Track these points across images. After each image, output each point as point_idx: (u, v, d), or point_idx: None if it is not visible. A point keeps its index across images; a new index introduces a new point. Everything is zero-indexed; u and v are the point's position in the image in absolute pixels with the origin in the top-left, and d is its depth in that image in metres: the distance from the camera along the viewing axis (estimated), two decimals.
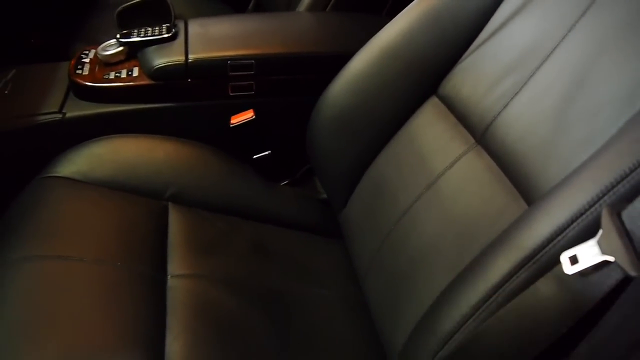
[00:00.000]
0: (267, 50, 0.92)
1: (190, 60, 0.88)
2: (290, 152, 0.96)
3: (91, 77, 0.91)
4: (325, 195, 0.92)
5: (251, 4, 1.63)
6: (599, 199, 0.38)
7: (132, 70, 0.91)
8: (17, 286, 0.62)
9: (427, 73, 0.79)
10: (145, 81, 0.89)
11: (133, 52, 0.94)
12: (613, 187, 0.38)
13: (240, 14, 1.27)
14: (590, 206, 0.38)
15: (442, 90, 0.77)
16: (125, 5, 0.95)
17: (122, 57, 0.94)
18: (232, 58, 0.89)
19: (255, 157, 0.95)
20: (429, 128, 0.77)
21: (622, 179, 0.38)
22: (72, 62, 0.95)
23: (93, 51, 0.96)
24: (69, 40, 1.24)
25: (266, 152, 0.95)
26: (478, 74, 0.72)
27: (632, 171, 0.38)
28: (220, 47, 0.91)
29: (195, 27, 0.96)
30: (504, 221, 0.53)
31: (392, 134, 0.81)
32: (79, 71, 0.92)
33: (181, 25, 0.97)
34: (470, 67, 0.75)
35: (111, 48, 0.94)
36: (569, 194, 0.41)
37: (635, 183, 0.37)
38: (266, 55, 0.91)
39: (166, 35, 0.92)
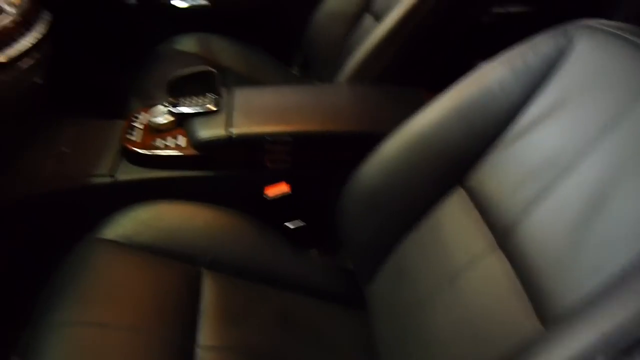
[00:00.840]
0: (304, 127, 0.97)
1: (232, 135, 0.94)
2: (321, 222, 1.00)
3: (141, 143, 0.98)
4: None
5: (297, 62, 1.71)
6: (596, 348, 0.40)
7: (178, 139, 0.98)
8: (56, 351, 0.68)
9: (454, 163, 0.82)
10: (190, 151, 0.96)
11: (180, 121, 1.01)
12: (611, 337, 0.40)
13: (282, 86, 1.33)
14: (588, 355, 0.40)
15: (468, 182, 0.80)
16: (176, 74, 1.02)
17: (170, 126, 1.01)
18: (270, 134, 0.95)
19: (286, 224, 0.99)
20: (454, 219, 0.79)
21: (621, 331, 0.40)
22: (126, 124, 1.03)
23: (144, 115, 1.04)
24: (131, 88, 1.33)
25: (298, 221, 0.99)
26: (503, 173, 0.75)
27: (630, 324, 0.40)
28: (260, 123, 0.97)
29: (239, 100, 1.02)
30: (518, 338, 0.55)
31: (419, 218, 0.84)
32: (130, 136, 0.99)
33: (226, 96, 1.03)
34: (496, 164, 0.77)
35: (161, 116, 1.01)
36: (569, 337, 0.43)
37: (635, 336, 0.39)
38: (303, 133, 0.96)
39: (212, 108, 0.99)
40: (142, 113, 1.06)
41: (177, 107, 1.00)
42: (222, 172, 0.97)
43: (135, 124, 1.03)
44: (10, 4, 0.84)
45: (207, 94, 1.02)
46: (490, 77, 0.82)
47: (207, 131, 0.95)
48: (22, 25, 0.87)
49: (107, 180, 0.96)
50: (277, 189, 0.96)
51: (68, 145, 1.02)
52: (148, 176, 0.96)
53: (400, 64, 1.18)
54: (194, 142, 0.95)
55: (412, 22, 1.12)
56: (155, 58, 1.46)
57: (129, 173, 0.97)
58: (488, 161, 0.79)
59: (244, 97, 1.04)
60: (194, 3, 1.63)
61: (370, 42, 1.13)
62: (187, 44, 1.53)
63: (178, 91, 1.03)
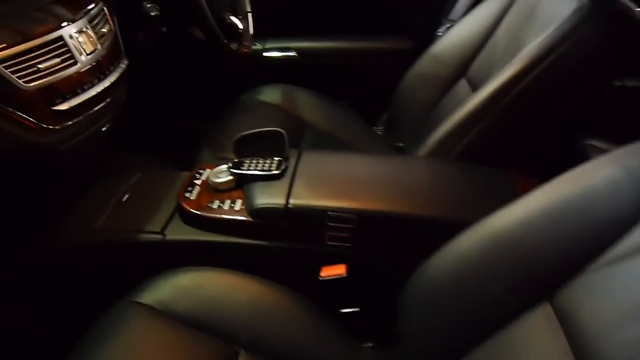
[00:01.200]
0: (370, 205, 0.87)
1: (290, 206, 0.86)
2: (380, 313, 0.88)
3: (197, 203, 0.92)
4: None
5: (383, 122, 1.62)
6: None
7: (235, 203, 0.91)
8: None
9: (543, 275, 0.67)
10: (244, 217, 0.89)
11: (241, 183, 0.94)
12: None
13: (354, 153, 1.23)
14: None
15: (559, 300, 0.65)
16: (244, 133, 0.97)
17: (230, 186, 0.95)
18: (332, 209, 0.85)
19: (342, 311, 0.88)
20: (536, 342, 0.65)
21: None
22: (186, 179, 0.98)
23: (207, 172, 0.98)
24: (206, 138, 1.30)
25: (354, 309, 0.88)
26: (605, 300, 0.60)
27: None
28: (322, 195, 0.88)
29: (305, 166, 0.95)
30: None
31: (493, 332, 0.70)
32: (188, 194, 0.94)
33: (293, 159, 0.96)
34: (597, 286, 0.62)
35: (222, 175, 0.95)
36: None
37: None
38: (369, 212, 0.86)
39: (275, 172, 0.92)
40: (206, 169, 1.01)
41: (239, 168, 0.94)
42: (276, 243, 0.89)
43: (196, 181, 0.98)
44: (84, 53, 0.82)
45: (273, 156, 0.95)
46: (596, 175, 0.68)
47: (264, 198, 0.88)
48: (93, 74, 0.85)
49: (157, 238, 0.91)
50: (334, 270, 0.86)
51: (126, 194, 0.99)
52: (198, 238, 0.90)
53: (493, 139, 1.05)
54: (249, 209, 0.88)
55: (512, 93, 1.00)
56: (236, 108, 1.44)
57: (179, 232, 0.91)
58: (587, 280, 0.64)
59: (310, 163, 0.96)
60: (285, 54, 1.61)
61: (462, 112, 1.02)
62: (271, 95, 1.50)
63: (244, 150, 0.97)
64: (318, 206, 0.86)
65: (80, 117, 0.84)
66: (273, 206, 0.87)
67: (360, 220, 0.86)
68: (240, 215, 0.89)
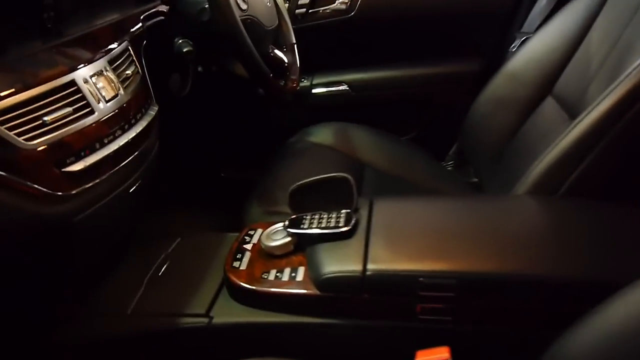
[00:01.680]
0: (475, 265, 0.65)
1: (369, 272, 0.66)
2: None
3: (248, 274, 0.74)
4: None
5: (453, 157, 1.42)
6: None
7: (296, 272, 0.72)
8: None
9: None
10: (310, 290, 0.69)
11: (302, 245, 0.75)
12: None
13: (437, 197, 1.03)
14: None
15: None
16: (301, 183, 0.78)
17: (288, 249, 0.76)
18: (425, 274, 0.64)
19: None
20: None
21: None
22: (234, 244, 0.80)
23: (259, 233, 0.80)
24: (254, 191, 1.12)
25: None
26: None
27: None
28: (409, 256, 0.68)
29: (380, 217, 0.75)
30: None
31: None
32: (237, 263, 0.76)
33: (363, 210, 0.76)
34: None
35: (278, 237, 0.76)
36: None
37: None
38: (473, 275, 0.65)
39: (343, 229, 0.72)
40: (258, 230, 0.82)
41: (299, 226, 0.75)
42: (352, 321, 0.69)
43: (245, 245, 0.79)
44: (103, 99, 0.67)
45: (339, 208, 0.76)
46: None
47: (334, 264, 0.68)
48: (115, 124, 0.69)
49: (201, 322, 0.72)
50: (434, 354, 0.64)
51: (163, 267, 0.81)
52: (252, 320, 0.71)
53: (611, 168, 0.83)
54: (315, 277, 0.69)
55: (634, 108, 0.78)
56: (285, 153, 1.26)
57: (229, 313, 0.73)
58: None
59: (387, 214, 0.76)
60: (335, 89, 1.44)
61: (569, 139, 0.80)
62: (324, 135, 1.32)
63: (301, 204, 0.79)
64: (405, 271, 0.66)
65: (101, 179, 0.67)
66: (346, 274, 0.67)
67: (463, 286, 0.64)
68: (304, 288, 0.70)
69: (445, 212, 0.77)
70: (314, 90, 1.44)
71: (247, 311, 0.72)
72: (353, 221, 0.73)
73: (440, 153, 1.43)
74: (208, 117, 1.38)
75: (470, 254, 0.67)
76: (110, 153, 0.68)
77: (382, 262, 0.67)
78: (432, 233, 0.71)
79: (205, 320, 0.72)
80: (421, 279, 0.65)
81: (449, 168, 1.42)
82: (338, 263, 0.68)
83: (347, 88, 1.43)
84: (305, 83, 1.44)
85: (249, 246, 0.79)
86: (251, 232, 0.83)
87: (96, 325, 0.75)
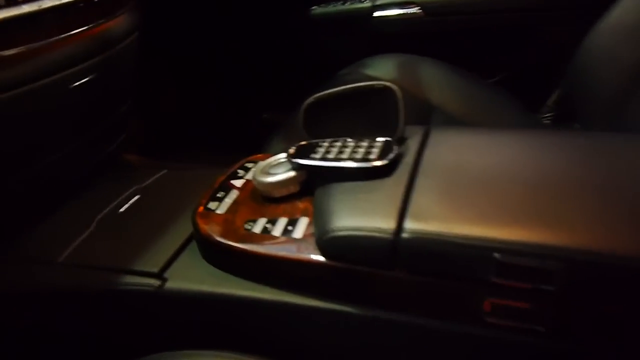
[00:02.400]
0: (601, 242, 0.36)
1: (406, 236, 0.38)
2: None
3: (225, 222, 0.48)
4: None
5: (550, 106, 1.09)
6: None
7: (295, 224, 0.46)
8: None
9: None
10: (310, 254, 0.43)
11: (311, 185, 0.49)
12: None
13: (529, 130, 0.72)
14: None
15: None
16: (322, 94, 0.52)
17: (290, 189, 0.49)
18: (505, 248, 0.36)
19: None
20: None
21: None
22: (219, 179, 0.54)
23: (259, 165, 0.54)
24: (285, 125, 0.88)
25: None
26: None
27: None
28: (480, 216, 0.39)
29: (437, 153, 0.46)
30: None
31: None
32: (214, 204, 0.50)
33: (413, 140, 0.48)
34: None
35: (277, 170, 0.50)
36: None
37: None
38: (599, 257, 0.35)
39: (375, 164, 0.44)
40: (258, 162, 0.57)
41: (309, 156, 0.48)
42: (373, 312, 0.42)
43: (234, 181, 0.54)
44: None
45: (374, 135, 0.49)
46: None
47: (351, 216, 0.41)
48: None
49: (150, 284, 0.48)
50: None
51: (127, 203, 0.58)
52: (218, 291, 0.46)
53: None
54: (320, 236, 0.42)
55: None
56: (331, 86, 0.99)
57: (189, 276, 0.48)
58: None
59: (447, 148, 0.48)
60: (404, 12, 1.14)
61: None
62: (383, 68, 1.04)
63: (320, 126, 0.52)
64: (470, 239, 0.37)
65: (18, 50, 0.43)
66: (369, 234, 0.40)
67: (575, 274, 0.35)
68: (302, 250, 0.43)
69: (542, 150, 0.47)
70: (376, 13, 1.15)
71: (214, 276, 0.47)
72: (392, 154, 0.45)
73: (535, 102, 1.10)
74: (250, 44, 1.14)
75: (590, 220, 0.37)
76: (31, 13, 0.44)
77: (431, 220, 0.39)
78: (519, 180, 0.42)
79: (155, 282, 0.48)
80: (497, 254, 0.36)
81: (546, 122, 1.09)
82: (357, 215, 0.41)
83: (419, 10, 1.12)
84: (366, 4, 1.14)
85: (238, 182, 0.54)
86: (248, 165, 0.57)
87: (12, 273, 0.53)
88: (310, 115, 0.52)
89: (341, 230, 0.40)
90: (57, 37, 0.52)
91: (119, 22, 0.59)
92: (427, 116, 0.94)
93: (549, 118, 1.10)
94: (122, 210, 0.58)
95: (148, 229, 0.54)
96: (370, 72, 1.04)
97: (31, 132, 0.53)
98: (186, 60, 1.25)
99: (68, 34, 0.52)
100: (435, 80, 1.03)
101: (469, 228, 0.38)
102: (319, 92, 1.04)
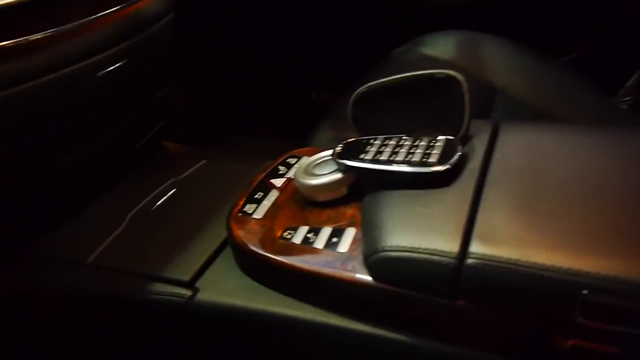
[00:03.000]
0: None
1: (472, 262, 0.32)
2: None
3: (262, 229, 0.43)
4: None
5: (631, 89, 0.98)
6: None
7: (341, 235, 0.40)
8: None
9: None
10: (356, 273, 0.37)
11: (359, 189, 0.43)
12: None
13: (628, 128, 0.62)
14: None
15: None
16: (375, 84, 0.45)
17: (337, 193, 0.44)
18: (599, 284, 0.29)
19: None
20: None
21: None
22: (258, 177, 0.49)
23: (301, 162, 0.49)
24: (335, 111, 0.82)
25: None
26: None
27: None
28: (566, 242, 0.32)
29: (511, 156, 0.39)
30: None
31: None
32: (251, 207, 0.45)
33: (480, 139, 0.42)
34: None
35: (322, 171, 0.44)
36: None
37: None
38: None
39: (435, 169, 0.38)
40: (303, 157, 0.51)
41: (357, 156, 0.42)
42: (430, 344, 0.36)
43: (275, 180, 0.49)
44: None
45: (434, 132, 0.42)
46: None
47: (406, 233, 0.35)
48: None
49: (180, 295, 0.44)
50: None
51: (160, 200, 0.54)
52: (253, 306, 0.41)
53: None
54: (368, 253, 0.36)
55: None
56: (385, 67, 0.92)
57: (222, 288, 0.43)
58: None
59: (517, 149, 0.41)
60: None
61: None
62: (442, 46, 0.95)
63: (372, 121, 0.46)
64: (553, 270, 0.30)
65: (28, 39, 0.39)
66: (428, 257, 0.34)
67: None
68: (347, 268, 0.38)
69: (635, 154, 0.39)
70: None
71: (249, 289, 0.42)
72: (456, 157, 0.39)
73: (612, 84, 0.99)
74: (298, 21, 1.08)
75: None
76: None
77: (502, 243, 0.32)
78: (610, 193, 0.35)
79: (186, 292, 0.44)
80: (585, 292, 0.30)
81: (623, 106, 0.98)
82: (413, 232, 0.35)
83: None
84: None
85: (278, 181, 0.48)
86: (291, 160, 0.52)
87: (40, 271, 0.50)
88: (360, 107, 0.46)
89: (394, 251, 0.34)
90: (83, 20, 0.48)
91: (151, 3, 0.54)
92: (491, 100, 0.86)
93: (627, 102, 0.99)
94: (156, 206, 0.54)
95: (181, 231, 0.50)
96: (427, 51, 0.96)
97: (60, 122, 0.49)
98: (232, 40, 1.20)
99: (96, 16, 0.48)
100: (499, 60, 0.94)
101: (551, 256, 0.31)
102: (371, 73, 0.97)
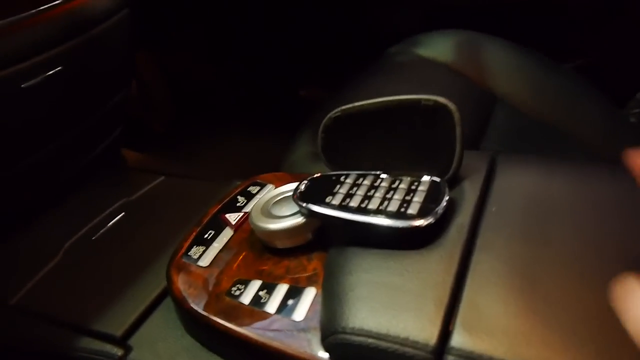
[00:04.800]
0: None
1: (456, 350, 0.25)
2: None
3: (207, 281, 0.36)
4: None
5: None
6: None
7: (299, 297, 0.33)
8: None
9: None
10: (314, 350, 0.30)
11: (326, 237, 0.36)
12: None
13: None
14: None
15: None
16: (351, 107, 0.38)
17: (298, 241, 0.37)
18: None
19: None
20: None
21: None
22: (211, 211, 0.42)
23: (263, 194, 0.41)
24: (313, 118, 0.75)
25: None
26: None
27: None
28: (576, 337, 0.25)
29: (511, 205, 0.32)
30: None
31: None
32: (198, 251, 0.38)
33: (473, 182, 0.34)
34: None
35: (284, 211, 0.37)
36: None
37: None
38: None
39: (415, 223, 0.31)
40: (268, 185, 0.44)
41: (325, 200, 0.34)
42: None
43: (230, 215, 0.41)
44: None
45: (420, 170, 0.35)
46: None
47: (375, 310, 0.28)
48: None
49: (110, 354, 0.36)
50: None
51: (105, 225, 0.47)
52: None
53: None
54: (327, 330, 0.29)
55: None
56: (377, 68, 0.85)
57: (159, 349, 0.36)
58: None
59: (517, 197, 0.33)
60: None
61: None
62: (439, 46, 0.89)
63: (346, 152, 0.38)
64: None
65: None
66: (398, 348, 0.26)
67: None
68: (304, 342, 0.31)
69: None
70: None
71: (189, 352, 0.35)
72: (442, 207, 0.32)
73: (622, 94, 0.92)
74: (289, 12, 1.01)
75: None
76: None
77: (494, 336, 0.25)
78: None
79: (117, 351, 0.36)
80: None
81: (632, 119, 0.91)
82: (382, 312, 0.28)
83: None
84: None
85: (234, 217, 0.41)
86: (253, 189, 0.44)
87: None
88: (332, 135, 0.39)
89: (356, 334, 0.27)
90: (19, 16, 0.40)
91: None
92: (490, 108, 0.80)
93: (636, 115, 0.92)
94: (98, 235, 0.47)
95: (121, 271, 0.43)
96: (423, 51, 0.89)
97: None
98: (218, 30, 1.13)
99: (33, 11, 0.40)
100: (500, 64, 0.87)
101: (552, 357, 0.24)
102: (363, 71, 0.91)
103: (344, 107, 0.38)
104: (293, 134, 0.88)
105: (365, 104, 0.38)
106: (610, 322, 0.25)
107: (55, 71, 0.43)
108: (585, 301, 0.26)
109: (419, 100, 0.36)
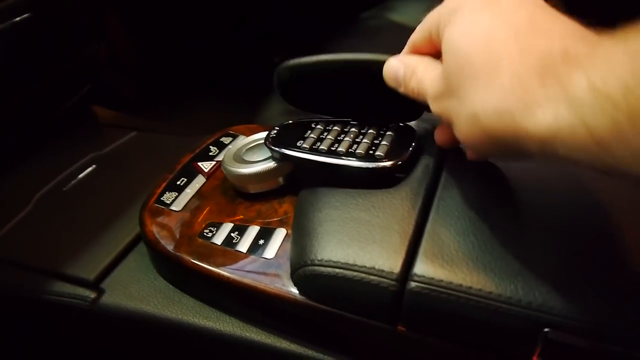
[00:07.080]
0: None
1: (414, 286, 0.26)
2: None
3: (180, 224, 0.36)
4: None
5: None
6: None
7: (270, 237, 0.34)
8: None
9: None
10: (284, 286, 0.31)
11: (295, 181, 0.37)
12: None
13: None
14: None
15: None
16: (312, 60, 0.38)
17: (270, 186, 0.37)
18: (566, 323, 0.24)
19: None
20: None
21: None
22: (183, 159, 0.42)
23: (235, 144, 0.41)
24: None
25: None
26: None
27: None
28: (531, 266, 0.26)
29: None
30: None
31: None
32: (170, 196, 0.39)
33: (439, 123, 0.35)
34: None
35: (256, 156, 0.38)
36: None
37: None
38: None
39: (382, 164, 0.32)
40: (240, 136, 0.44)
41: (296, 144, 0.35)
42: None
43: (203, 163, 0.42)
44: None
45: (389, 119, 0.36)
46: None
47: (340, 243, 0.29)
48: None
49: (83, 297, 0.37)
50: None
51: (77, 176, 0.46)
52: (162, 314, 0.35)
53: None
54: (297, 263, 0.30)
55: None
56: (349, 33, 0.85)
57: (131, 291, 0.37)
58: None
59: None
60: None
61: None
62: (409, 11, 0.89)
63: (311, 99, 0.39)
64: (514, 304, 0.25)
65: None
66: (365, 277, 0.28)
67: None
68: (274, 279, 0.32)
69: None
70: None
71: (163, 293, 0.36)
72: (409, 150, 0.33)
73: None
74: None
75: None
76: None
77: (455, 265, 0.27)
78: (586, 204, 0.29)
79: (90, 294, 0.37)
80: (548, 330, 0.24)
81: None
82: (349, 245, 0.29)
83: None
84: None
85: (207, 165, 0.42)
86: (225, 140, 0.45)
87: None
88: (291, 82, 0.39)
89: (324, 266, 0.29)
90: None
91: None
92: None
93: None
94: (69, 186, 0.47)
95: (93, 219, 0.43)
96: (395, 16, 0.89)
97: None
98: None
99: None
100: None
101: (510, 286, 0.25)
102: (335, 37, 0.90)
103: (299, 60, 0.38)
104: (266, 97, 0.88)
105: (323, 59, 0.38)
106: (567, 261, 0.26)
107: (23, 17, 0.43)
108: (534, 232, 0.28)
109: (378, 59, 0.36)
